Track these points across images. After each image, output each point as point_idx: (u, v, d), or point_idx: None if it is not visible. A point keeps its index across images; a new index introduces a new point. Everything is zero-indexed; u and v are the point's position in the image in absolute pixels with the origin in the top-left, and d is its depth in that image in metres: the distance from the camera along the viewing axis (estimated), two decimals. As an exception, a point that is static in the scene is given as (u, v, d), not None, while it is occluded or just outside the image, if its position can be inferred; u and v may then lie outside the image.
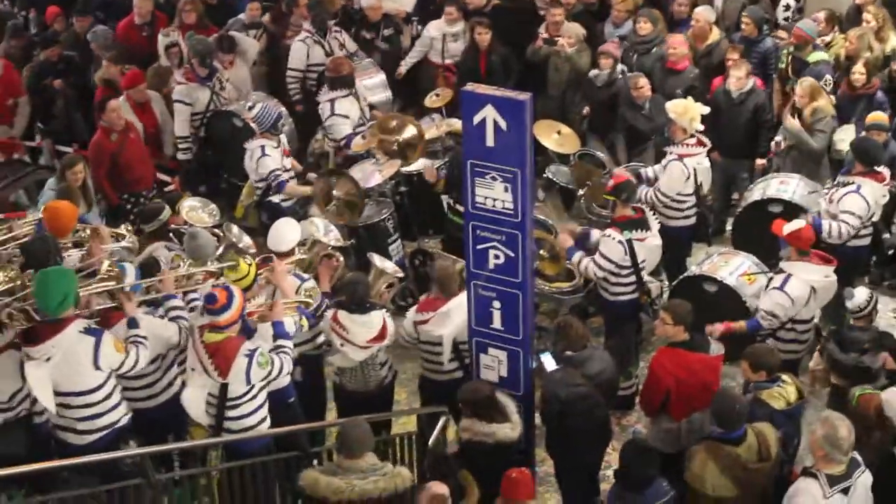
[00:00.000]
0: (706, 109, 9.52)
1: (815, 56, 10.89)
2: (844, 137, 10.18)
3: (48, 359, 6.52)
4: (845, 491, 6.30)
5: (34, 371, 6.52)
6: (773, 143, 10.62)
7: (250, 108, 9.99)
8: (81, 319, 6.73)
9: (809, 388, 7.97)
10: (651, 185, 9.49)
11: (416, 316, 7.89)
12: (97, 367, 6.64)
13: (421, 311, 7.91)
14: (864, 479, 6.42)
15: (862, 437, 6.59)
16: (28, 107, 12.19)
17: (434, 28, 12.31)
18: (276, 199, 9.82)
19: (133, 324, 6.93)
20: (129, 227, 8.37)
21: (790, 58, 11.02)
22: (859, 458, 6.41)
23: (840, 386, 7.50)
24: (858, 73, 10.49)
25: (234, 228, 8.63)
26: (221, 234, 8.52)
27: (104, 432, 6.78)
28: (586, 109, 11.62)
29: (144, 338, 6.88)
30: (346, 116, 10.62)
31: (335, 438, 7.90)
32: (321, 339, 7.95)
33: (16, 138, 12.21)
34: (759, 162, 10.86)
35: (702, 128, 9.43)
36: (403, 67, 12.50)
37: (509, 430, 6.99)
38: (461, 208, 9.40)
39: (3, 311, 6.88)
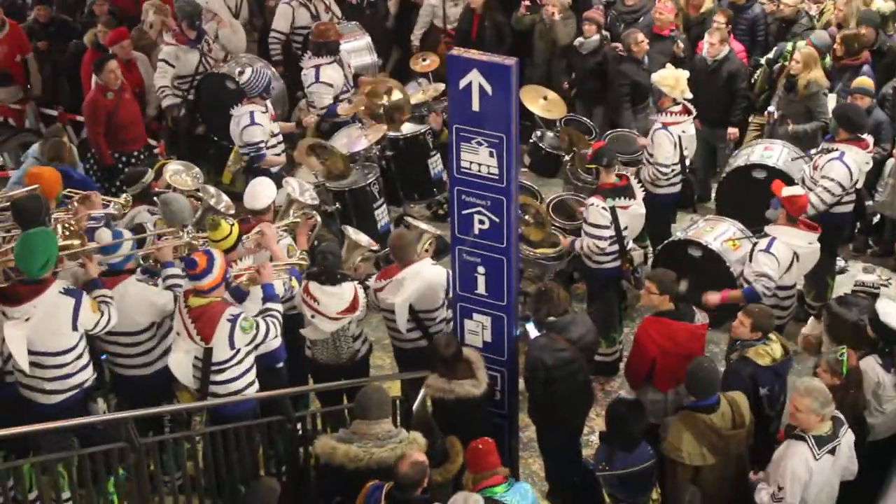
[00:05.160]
0: (686, 73, 9.49)
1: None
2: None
3: (27, 319, 6.52)
4: (832, 451, 6.40)
5: (12, 331, 6.52)
6: (766, 113, 10.57)
7: (240, 74, 9.91)
8: (60, 280, 6.73)
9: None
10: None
11: (375, 283, 7.86)
12: (75, 329, 6.65)
13: (379, 278, 7.87)
14: (847, 439, 6.51)
15: (843, 397, 6.67)
16: (36, 63, 12.12)
17: None
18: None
19: (95, 284, 6.89)
20: (129, 198, 8.22)
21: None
22: (842, 416, 6.48)
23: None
24: (836, 44, 10.45)
25: (211, 189, 8.52)
26: (201, 197, 8.42)
27: (73, 392, 6.79)
28: (567, 82, 11.57)
29: (110, 297, 6.87)
30: (330, 85, 10.52)
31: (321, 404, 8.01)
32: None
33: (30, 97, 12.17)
34: (731, 131, 10.84)
35: (690, 96, 9.42)
36: (416, 40, 12.46)
37: (470, 386, 6.97)
38: None
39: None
